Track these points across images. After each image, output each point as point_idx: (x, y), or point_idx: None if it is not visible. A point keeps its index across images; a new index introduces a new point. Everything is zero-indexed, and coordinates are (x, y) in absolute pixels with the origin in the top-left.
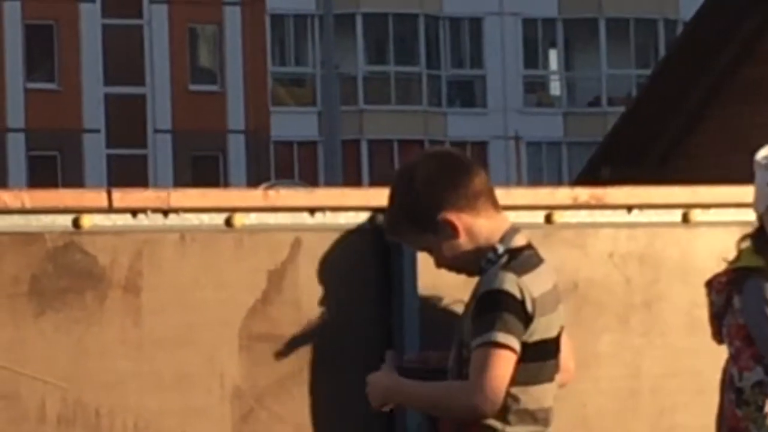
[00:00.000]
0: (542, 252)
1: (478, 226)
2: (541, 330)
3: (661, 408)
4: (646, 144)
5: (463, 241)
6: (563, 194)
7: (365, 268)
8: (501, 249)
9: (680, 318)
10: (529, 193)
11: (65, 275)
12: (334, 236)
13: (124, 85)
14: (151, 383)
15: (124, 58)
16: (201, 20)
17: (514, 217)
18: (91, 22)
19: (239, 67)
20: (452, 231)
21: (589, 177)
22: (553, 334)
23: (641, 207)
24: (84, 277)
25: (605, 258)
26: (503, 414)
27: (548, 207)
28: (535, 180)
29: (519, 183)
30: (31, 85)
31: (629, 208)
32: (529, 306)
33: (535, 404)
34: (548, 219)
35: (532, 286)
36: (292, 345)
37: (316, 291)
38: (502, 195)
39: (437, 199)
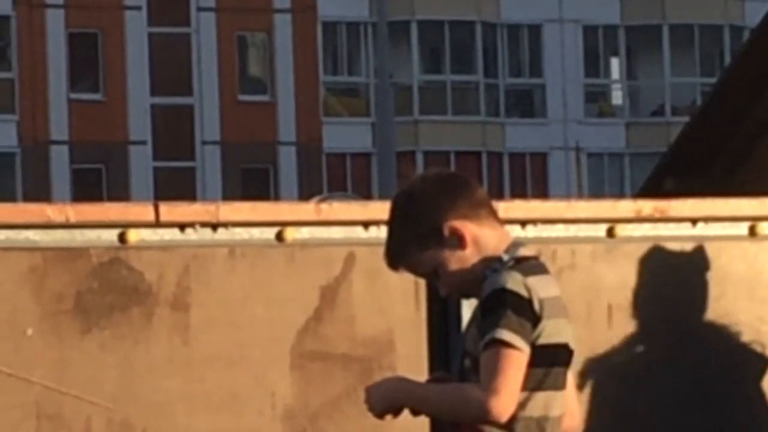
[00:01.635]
0: (604, 267)
1: (485, 236)
2: (548, 333)
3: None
4: (712, 154)
5: (470, 253)
6: (626, 207)
7: (420, 284)
8: (506, 258)
9: (748, 335)
10: (590, 206)
11: (111, 292)
12: None
13: (171, 95)
14: (199, 403)
15: (171, 68)
16: (250, 28)
17: (574, 230)
18: (137, 30)
19: (290, 76)
20: (458, 240)
21: (653, 189)
22: (561, 339)
23: (707, 220)
24: (130, 293)
25: (670, 273)
26: (509, 422)
27: (610, 220)
28: (597, 192)
29: (580, 195)
30: (75, 96)
31: (694, 222)
32: (536, 305)
33: (540, 411)
34: (610, 232)
35: (538, 287)
36: (345, 363)
37: (370, 307)
38: (563, 208)
39: (440, 210)
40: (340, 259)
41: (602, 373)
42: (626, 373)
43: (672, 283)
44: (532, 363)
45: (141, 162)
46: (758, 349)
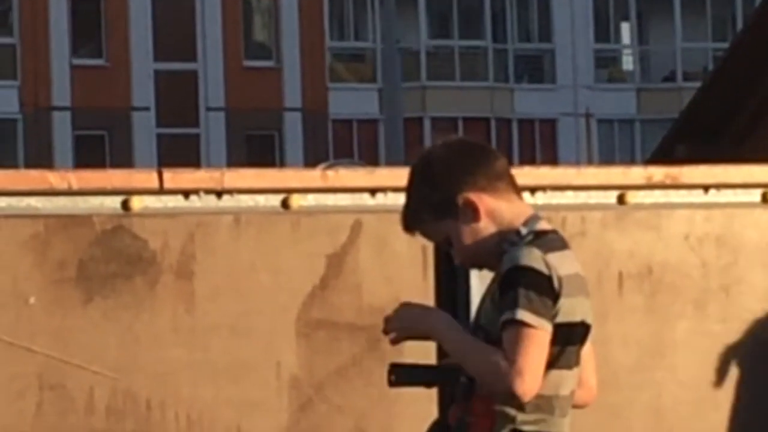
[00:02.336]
0: (615, 234)
1: (501, 209)
2: (564, 312)
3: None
4: (724, 121)
5: (484, 225)
6: (637, 173)
7: (428, 251)
8: (524, 231)
9: (760, 303)
10: (600, 173)
11: (114, 260)
12: (396, 218)
13: (175, 60)
14: (204, 373)
15: (174, 33)
16: None
17: (584, 197)
18: None
19: (296, 41)
20: (473, 213)
21: (664, 156)
22: (576, 318)
23: (719, 187)
24: (134, 261)
25: (681, 240)
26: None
27: (621, 187)
28: (607, 159)
29: (590, 162)
30: (78, 62)
31: (706, 188)
32: (555, 283)
33: (551, 390)
34: (621, 199)
35: (558, 264)
36: (352, 332)
37: (378, 275)
38: (572, 174)
39: (456, 180)
40: (346, 226)
41: (612, 341)
42: (637, 341)
43: (683, 250)
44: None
45: (144, 128)
46: None
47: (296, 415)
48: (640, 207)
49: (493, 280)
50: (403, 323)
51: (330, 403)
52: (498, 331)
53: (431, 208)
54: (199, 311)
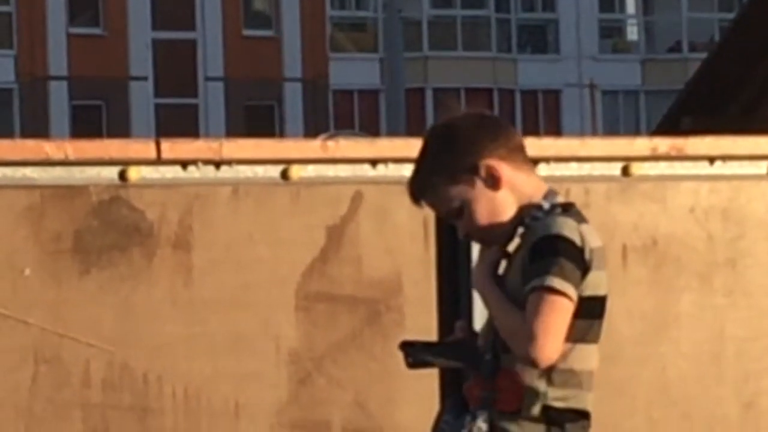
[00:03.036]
0: (619, 206)
1: (520, 181)
2: (594, 285)
3: (746, 373)
4: (730, 92)
5: (503, 196)
6: (642, 145)
7: (429, 223)
8: (547, 205)
9: (766, 277)
10: (605, 144)
11: (111, 231)
12: (397, 189)
13: (174, 29)
14: (202, 347)
15: (173, 1)
16: None
17: (588, 169)
18: None
19: (296, 10)
20: (494, 181)
21: (669, 127)
22: (601, 292)
23: (724, 158)
24: (131, 233)
25: (686, 213)
26: (548, 372)
27: (626, 158)
28: (611, 131)
29: (594, 133)
30: (74, 30)
31: (712, 160)
32: (587, 255)
33: (580, 364)
34: (625, 171)
35: (589, 236)
36: (351, 305)
37: (378, 247)
38: (576, 145)
39: (479, 146)
40: (346, 197)
41: (616, 314)
42: (641, 315)
43: (689, 223)
44: (578, 314)
45: (142, 98)
46: None
47: (295, 389)
48: (644, 179)
49: (516, 251)
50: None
51: (329, 377)
52: (523, 300)
53: (449, 174)
54: (197, 284)
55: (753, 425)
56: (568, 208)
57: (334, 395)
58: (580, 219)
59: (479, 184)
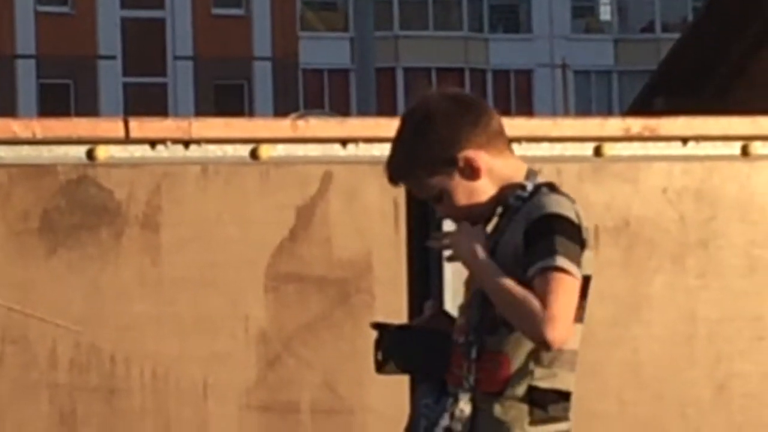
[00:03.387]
0: (591, 187)
1: (498, 167)
2: (585, 264)
3: (718, 355)
4: (704, 72)
5: (482, 184)
6: (614, 125)
7: (399, 203)
8: (530, 186)
9: (739, 258)
10: (577, 124)
11: (78, 210)
12: (367, 169)
13: (142, 8)
14: (170, 327)
15: None
16: None
17: (560, 149)
18: None
19: None
20: (473, 172)
21: (642, 107)
22: (589, 272)
23: (697, 139)
24: (99, 212)
25: (658, 193)
26: (537, 351)
27: (598, 139)
28: (584, 111)
29: (566, 114)
30: (42, 9)
31: (684, 140)
32: (584, 233)
33: (573, 345)
34: (597, 151)
35: (582, 215)
36: (321, 286)
37: (348, 228)
38: (548, 126)
39: (457, 137)
40: (316, 177)
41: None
42: (613, 296)
43: (661, 204)
44: None
45: (110, 77)
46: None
47: (264, 370)
48: (617, 159)
49: (494, 233)
50: (455, 248)
51: (299, 357)
52: (523, 280)
53: (426, 163)
54: (165, 264)
55: (725, 407)
56: (553, 188)
57: (304, 376)
58: (571, 198)
59: (457, 175)
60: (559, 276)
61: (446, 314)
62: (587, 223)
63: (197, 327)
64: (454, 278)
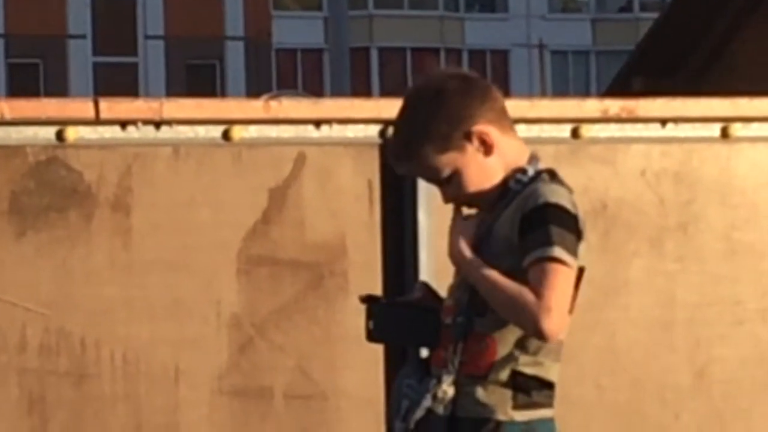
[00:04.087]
0: (568, 169)
1: (507, 145)
2: (580, 255)
3: (696, 340)
4: (683, 53)
5: (494, 161)
6: (592, 106)
7: (374, 185)
8: (531, 171)
9: (718, 242)
10: (554, 105)
11: (48, 192)
12: (341, 151)
13: None
14: (141, 311)
15: None
16: None
17: (537, 131)
18: None
19: None
20: (484, 147)
21: (620, 89)
22: (583, 262)
23: (676, 121)
24: (68, 194)
25: (637, 176)
26: (523, 338)
27: (575, 120)
28: (561, 92)
29: (543, 95)
30: None
31: (663, 122)
32: (580, 224)
33: (562, 336)
34: (575, 133)
35: (578, 204)
36: (294, 269)
37: (321, 210)
38: (525, 107)
39: (469, 111)
40: (289, 159)
41: None
42: (590, 280)
43: (639, 187)
44: None
45: (80, 57)
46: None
47: (236, 354)
48: (595, 141)
49: (492, 217)
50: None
51: (271, 342)
52: (507, 267)
53: (438, 140)
54: (136, 247)
55: (705, 393)
56: (553, 175)
57: (277, 361)
58: (568, 187)
59: (471, 151)
60: (554, 266)
61: (436, 295)
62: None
63: (168, 311)
64: (429, 261)
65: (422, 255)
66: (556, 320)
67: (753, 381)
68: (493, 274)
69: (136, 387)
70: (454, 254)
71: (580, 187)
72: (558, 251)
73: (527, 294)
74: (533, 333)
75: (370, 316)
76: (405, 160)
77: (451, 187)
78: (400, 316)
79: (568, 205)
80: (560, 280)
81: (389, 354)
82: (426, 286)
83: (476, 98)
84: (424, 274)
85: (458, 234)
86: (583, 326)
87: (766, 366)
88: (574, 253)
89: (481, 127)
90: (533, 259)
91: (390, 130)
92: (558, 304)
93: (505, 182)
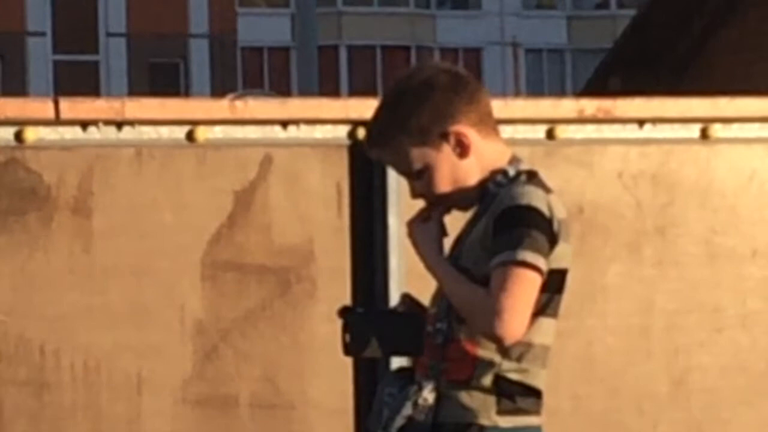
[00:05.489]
0: (543, 171)
1: (486, 149)
2: (558, 257)
3: (676, 348)
4: (661, 51)
5: (468, 163)
6: (567, 107)
7: (343, 188)
8: (512, 172)
9: (698, 246)
10: (528, 105)
11: (6, 195)
12: (309, 152)
13: None
14: (102, 318)
15: None
16: None
17: (511, 131)
18: None
19: None
20: (462, 149)
21: (597, 88)
22: (564, 265)
23: (654, 121)
24: (27, 197)
25: (614, 178)
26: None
27: (550, 121)
28: (535, 92)
29: (517, 94)
30: None
31: (641, 123)
32: (556, 226)
33: (539, 338)
34: (550, 134)
35: (557, 206)
36: (261, 275)
37: (288, 214)
38: (499, 107)
39: (452, 109)
40: (256, 161)
41: None
42: (566, 286)
43: (616, 189)
44: (541, 287)
45: (39, 54)
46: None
47: (201, 362)
48: (570, 142)
49: (472, 220)
50: (414, 232)
51: (237, 350)
52: (483, 270)
53: (415, 132)
54: (97, 251)
55: (683, 402)
56: (532, 176)
57: (242, 369)
58: (547, 189)
59: (446, 150)
60: (516, 270)
61: (420, 305)
62: (564, 215)
63: (130, 317)
64: (400, 266)
65: (392, 260)
66: (509, 322)
67: (733, 390)
68: (452, 276)
69: (97, 396)
70: (420, 257)
71: (555, 189)
72: (522, 254)
73: (480, 296)
74: (488, 336)
75: (346, 328)
76: (378, 146)
77: (421, 182)
78: (378, 324)
79: (542, 207)
80: (518, 283)
81: (358, 362)
82: (409, 297)
83: (462, 97)
84: (395, 280)
85: (420, 237)
86: (559, 333)
87: (746, 375)
88: (543, 254)
89: (461, 128)
90: (497, 262)
91: (360, 131)
92: (512, 307)
93: (483, 184)
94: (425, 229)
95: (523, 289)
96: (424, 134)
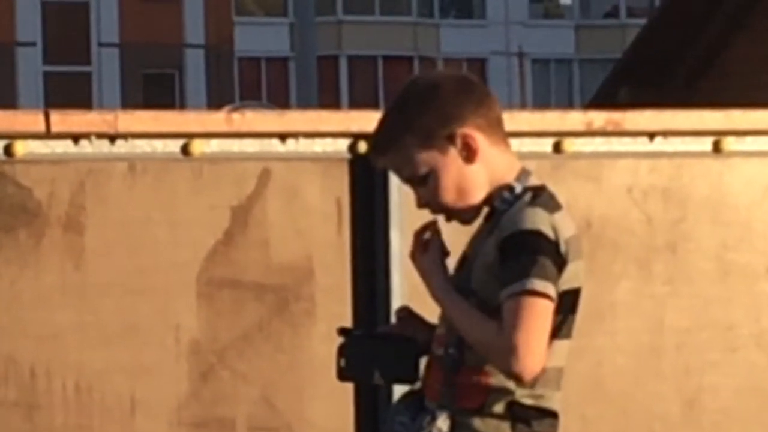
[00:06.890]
0: (550, 185)
1: (495, 157)
2: (568, 278)
3: (687, 367)
4: (671, 61)
5: (476, 170)
6: (575, 119)
7: (343, 204)
8: (519, 188)
9: (710, 263)
10: (535, 118)
11: None
12: (308, 166)
13: None
14: (94, 337)
15: None
16: None
17: (517, 145)
18: None
19: None
20: (468, 152)
21: (605, 100)
22: (576, 285)
23: (665, 134)
24: (17, 212)
25: (623, 193)
26: None
27: (558, 134)
28: (542, 103)
29: (523, 106)
30: None
31: (651, 136)
32: (562, 248)
33: (552, 361)
34: (557, 147)
35: (562, 226)
36: (258, 293)
37: (287, 230)
38: (504, 120)
39: (459, 112)
40: (253, 175)
41: None
42: None
43: (626, 204)
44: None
45: (30, 66)
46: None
47: (196, 383)
48: (578, 156)
49: (476, 237)
50: (419, 266)
51: (233, 370)
52: (493, 296)
53: (421, 134)
54: (89, 268)
55: (695, 424)
56: (539, 193)
57: (239, 390)
58: (553, 206)
59: (452, 153)
60: (526, 301)
61: (420, 319)
62: (577, 230)
63: (124, 337)
64: (402, 284)
65: (395, 278)
66: (523, 360)
67: (747, 411)
68: (463, 311)
69: (89, 418)
70: (428, 287)
71: (562, 204)
72: (530, 283)
73: (493, 333)
74: (505, 375)
75: (341, 352)
76: (383, 149)
77: (426, 189)
78: (373, 349)
79: (546, 230)
80: (530, 315)
81: (359, 384)
82: (408, 311)
83: (471, 101)
84: (397, 298)
85: (425, 267)
86: (568, 353)
87: (760, 395)
88: (553, 280)
89: (468, 130)
90: (506, 295)
91: (361, 145)
92: (526, 343)
93: (489, 199)
94: (427, 260)
95: (535, 320)
96: (430, 135)
